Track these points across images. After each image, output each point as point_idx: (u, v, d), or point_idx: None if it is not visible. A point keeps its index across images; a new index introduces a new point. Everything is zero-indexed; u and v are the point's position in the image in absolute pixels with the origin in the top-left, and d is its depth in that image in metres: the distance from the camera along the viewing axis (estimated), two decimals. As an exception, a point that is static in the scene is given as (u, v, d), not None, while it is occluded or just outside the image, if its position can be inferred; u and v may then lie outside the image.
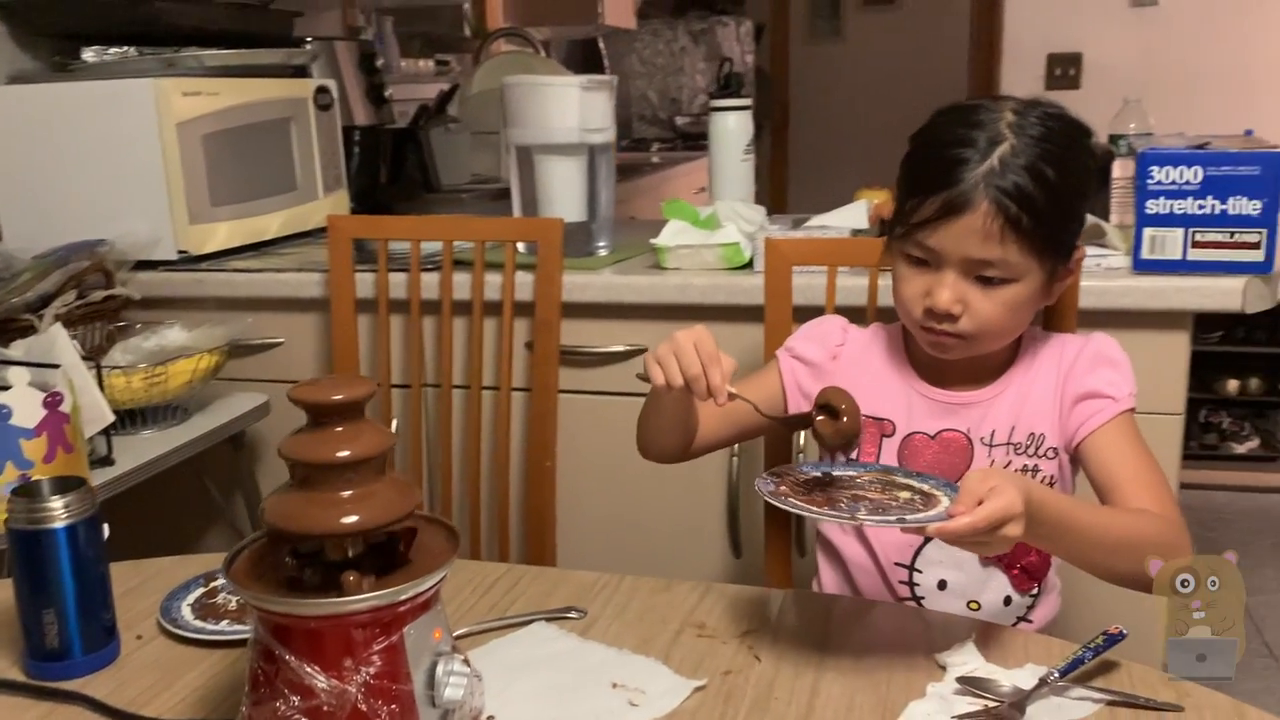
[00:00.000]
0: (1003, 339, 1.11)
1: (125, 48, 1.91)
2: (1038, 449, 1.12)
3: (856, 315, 1.38)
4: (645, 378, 1.07)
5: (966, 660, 0.93)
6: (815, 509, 0.92)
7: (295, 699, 0.76)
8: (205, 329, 1.61)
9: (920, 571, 1.15)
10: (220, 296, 1.77)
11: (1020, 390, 1.13)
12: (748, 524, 1.69)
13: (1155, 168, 1.42)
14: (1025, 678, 0.90)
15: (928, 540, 1.14)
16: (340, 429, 0.78)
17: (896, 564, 1.16)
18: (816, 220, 1.66)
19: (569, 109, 1.72)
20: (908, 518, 0.89)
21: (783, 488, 0.97)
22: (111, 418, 1.38)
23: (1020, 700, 0.87)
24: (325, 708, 0.76)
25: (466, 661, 0.83)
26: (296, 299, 1.77)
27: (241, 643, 1.00)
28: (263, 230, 1.95)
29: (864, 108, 5.47)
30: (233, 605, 1.08)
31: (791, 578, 1.42)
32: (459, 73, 3.57)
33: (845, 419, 0.96)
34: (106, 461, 1.42)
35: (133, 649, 1.01)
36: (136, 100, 1.74)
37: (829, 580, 1.23)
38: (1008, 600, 1.15)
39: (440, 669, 0.81)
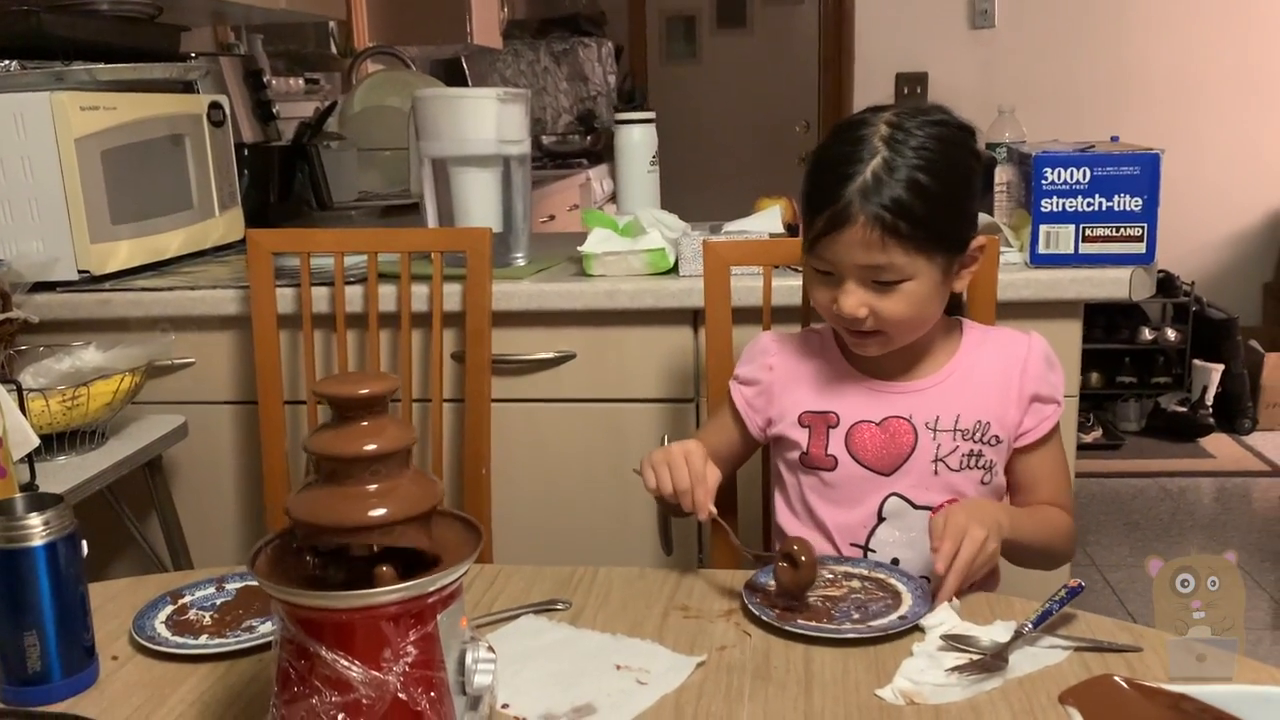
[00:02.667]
0: (917, 330, 1.19)
1: (7, 61, 1.83)
2: (983, 436, 1.21)
3: (792, 314, 1.46)
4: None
5: (943, 620, 1.00)
6: (830, 628, 1.01)
7: (332, 695, 0.76)
8: (122, 349, 1.55)
9: (874, 552, 1.22)
10: (129, 316, 1.71)
11: (964, 378, 1.22)
12: (678, 523, 1.74)
13: (1049, 169, 1.55)
14: (1000, 632, 0.97)
15: (881, 521, 1.22)
16: (366, 423, 0.79)
17: (853, 545, 1.23)
18: (734, 226, 1.73)
19: (485, 121, 1.74)
20: (907, 614, 1.02)
21: (776, 609, 1.04)
22: (36, 441, 1.32)
23: (1002, 651, 0.94)
24: (364, 700, 0.76)
25: (491, 649, 0.84)
26: (210, 317, 1.72)
27: (224, 656, 0.99)
28: (163, 249, 1.89)
29: (723, 126, 5.64)
30: (207, 620, 1.06)
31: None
32: (329, 90, 3.52)
33: (803, 570, 1.05)
34: (30, 488, 1.35)
35: (111, 670, 0.98)
36: (32, 114, 1.67)
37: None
38: None
39: (470, 656, 0.82)
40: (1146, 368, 4.08)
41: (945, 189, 1.12)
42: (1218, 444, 3.92)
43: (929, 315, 1.18)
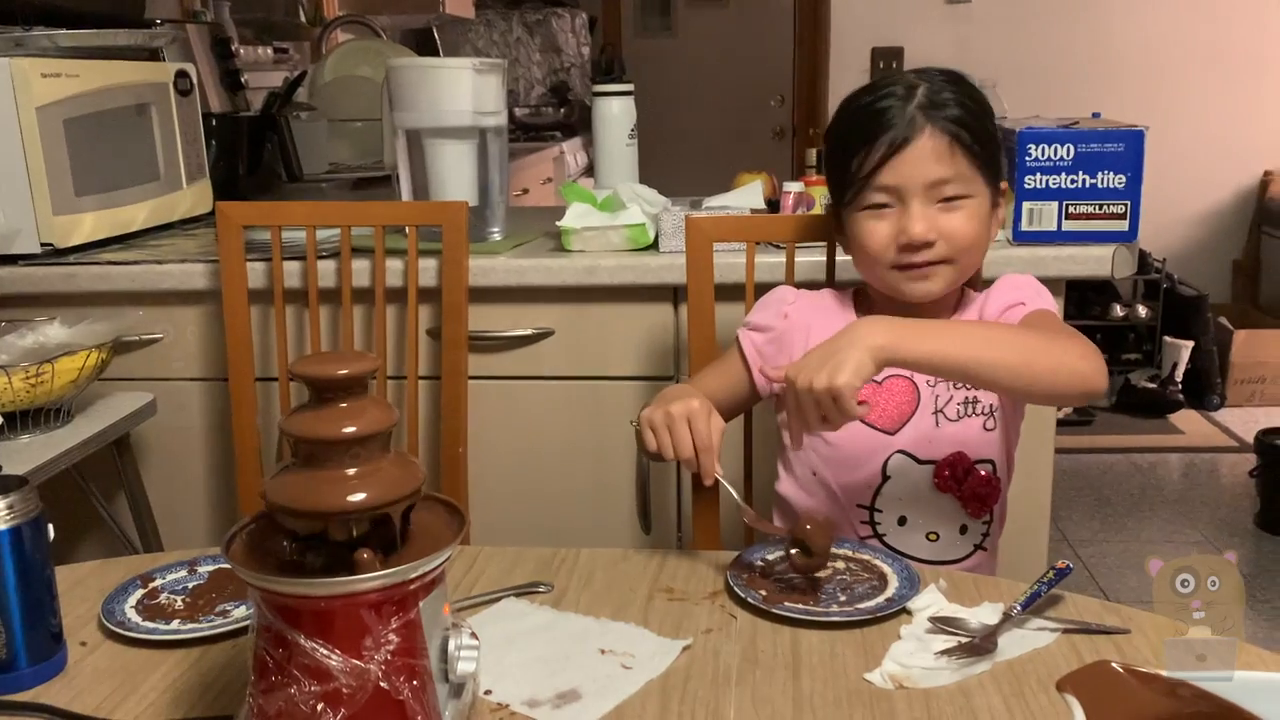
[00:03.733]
0: (975, 256, 1.21)
1: (-37, 26, 1.77)
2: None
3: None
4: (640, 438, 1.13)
5: (931, 603, 0.99)
6: (817, 611, 0.99)
7: (311, 684, 0.74)
8: (87, 324, 1.51)
9: (880, 511, 1.22)
10: (95, 291, 1.67)
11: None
12: (657, 502, 1.72)
13: (1032, 145, 1.53)
14: (987, 614, 0.97)
15: (886, 480, 1.21)
16: (345, 405, 0.76)
17: (859, 505, 1.23)
18: (714, 201, 1.71)
19: (461, 92, 1.70)
20: (894, 596, 1.01)
21: (762, 591, 1.03)
22: (-1, 420, 1.28)
23: (990, 634, 0.93)
24: (345, 690, 0.74)
25: (474, 635, 0.82)
26: (179, 291, 1.68)
27: (198, 641, 0.97)
28: (129, 221, 1.84)
29: (698, 100, 5.60)
30: (179, 604, 1.03)
31: (721, 546, 1.46)
32: (298, 60, 3.45)
33: (815, 557, 1.04)
34: (-7, 468, 1.31)
35: (80, 656, 0.95)
36: (-10, 81, 1.61)
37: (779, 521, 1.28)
38: (964, 529, 1.23)
39: (453, 643, 0.80)
40: (1118, 344, 4.11)
41: (984, 119, 1.18)
42: (1187, 420, 3.96)
43: (984, 242, 1.21)
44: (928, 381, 1.20)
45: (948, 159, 1.14)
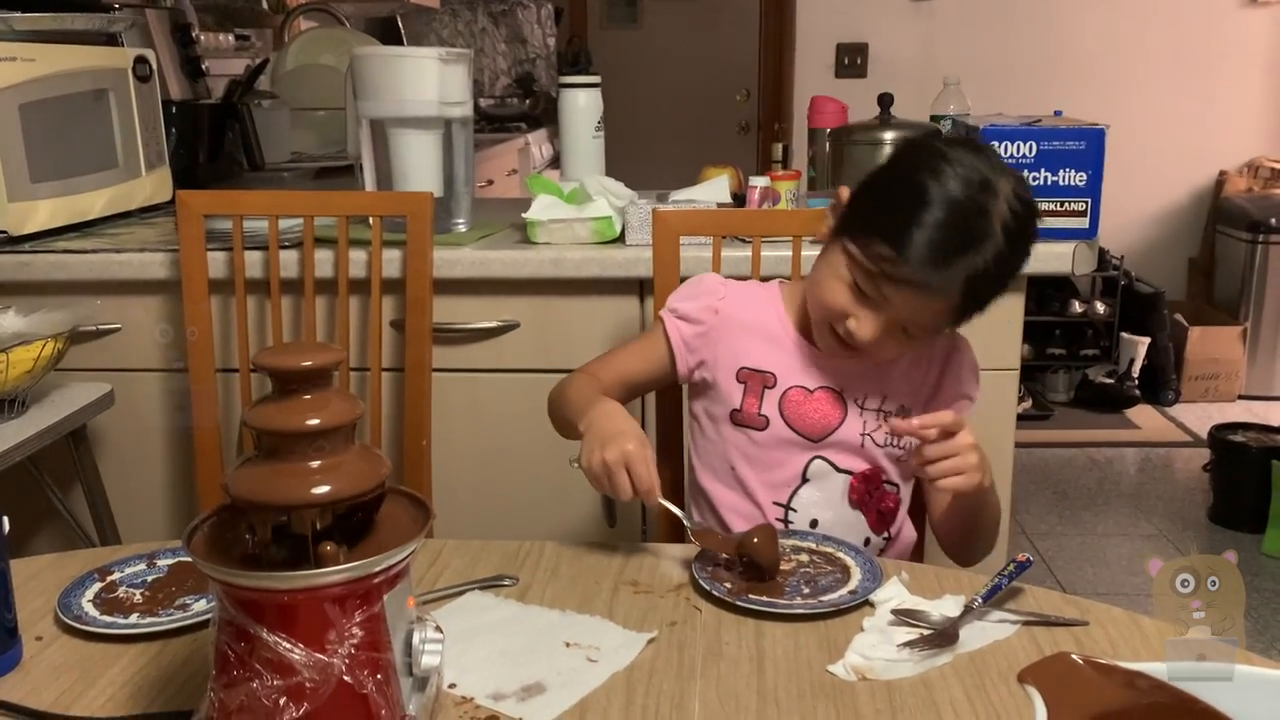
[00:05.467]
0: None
1: (-85, 8, 1.73)
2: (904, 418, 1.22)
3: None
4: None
5: (893, 595, 1.00)
6: (781, 603, 0.99)
7: (274, 678, 0.74)
8: (43, 314, 1.48)
9: (795, 511, 1.23)
10: (51, 280, 1.64)
11: (897, 363, 1.22)
12: (621, 494, 1.72)
13: (995, 143, 1.54)
14: (949, 606, 0.98)
15: (805, 482, 1.22)
16: (309, 396, 0.76)
17: (775, 503, 1.23)
18: (681, 195, 1.71)
19: (427, 82, 1.69)
20: (856, 589, 1.02)
21: (727, 584, 1.03)
22: (-48, 411, 1.26)
23: (952, 626, 0.94)
24: (308, 684, 0.74)
25: (439, 629, 0.82)
26: (137, 281, 1.66)
27: (157, 635, 0.95)
28: (86, 209, 1.81)
29: (663, 93, 5.59)
30: (138, 598, 1.02)
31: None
32: (260, 47, 3.41)
33: (764, 569, 1.04)
34: (-55, 459, 1.29)
35: (35, 651, 0.93)
36: (-57, 65, 1.58)
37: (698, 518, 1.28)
38: (866, 541, 1.25)
39: (417, 637, 0.80)
40: (1076, 340, 4.17)
41: (1010, 278, 1.13)
42: (1142, 415, 4.02)
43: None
44: (855, 401, 1.21)
45: (943, 320, 1.14)
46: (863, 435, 1.21)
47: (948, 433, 1.06)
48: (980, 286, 1.10)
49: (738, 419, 1.22)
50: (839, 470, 1.22)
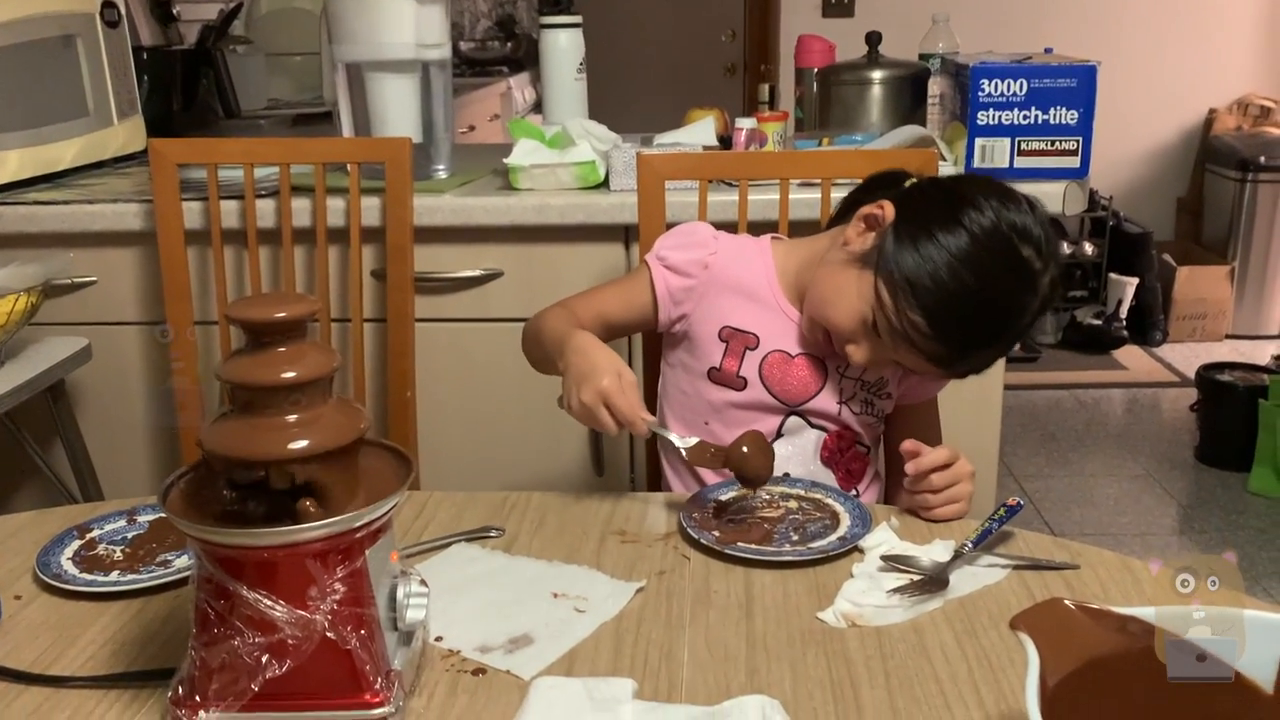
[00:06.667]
0: None
1: (-128, -48, 1.67)
2: (880, 389, 1.23)
3: (727, 230, 1.41)
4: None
5: (882, 541, 0.99)
6: (770, 550, 0.98)
7: (255, 635, 0.72)
8: (15, 267, 1.45)
9: None
10: (22, 233, 1.60)
11: None
12: (609, 444, 1.71)
13: (985, 80, 1.52)
14: (939, 551, 0.97)
15: (780, 437, 1.21)
16: (283, 349, 0.74)
17: None
18: (665, 138, 1.67)
19: (403, 23, 1.64)
20: (846, 535, 1.01)
21: (715, 532, 1.02)
22: (-76, 368, 1.23)
23: (941, 571, 0.93)
24: (290, 641, 0.73)
25: (423, 582, 0.81)
26: (112, 233, 1.62)
27: (138, 593, 0.94)
28: (56, 160, 1.77)
29: (646, 34, 5.50)
30: (118, 555, 1.00)
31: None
32: (234, -8, 3.33)
33: (751, 481, 1.06)
34: (-81, 417, 1.27)
35: (14, 610, 0.92)
36: (-98, 11, 1.53)
37: (675, 484, 1.27)
38: None
39: (401, 591, 0.79)
40: (1064, 281, 4.14)
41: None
42: (1130, 356, 4.03)
43: None
44: (837, 368, 1.20)
45: (944, 379, 1.18)
46: (840, 404, 1.21)
47: (946, 465, 1.05)
48: (984, 365, 1.13)
49: (715, 377, 1.21)
50: (813, 426, 1.22)
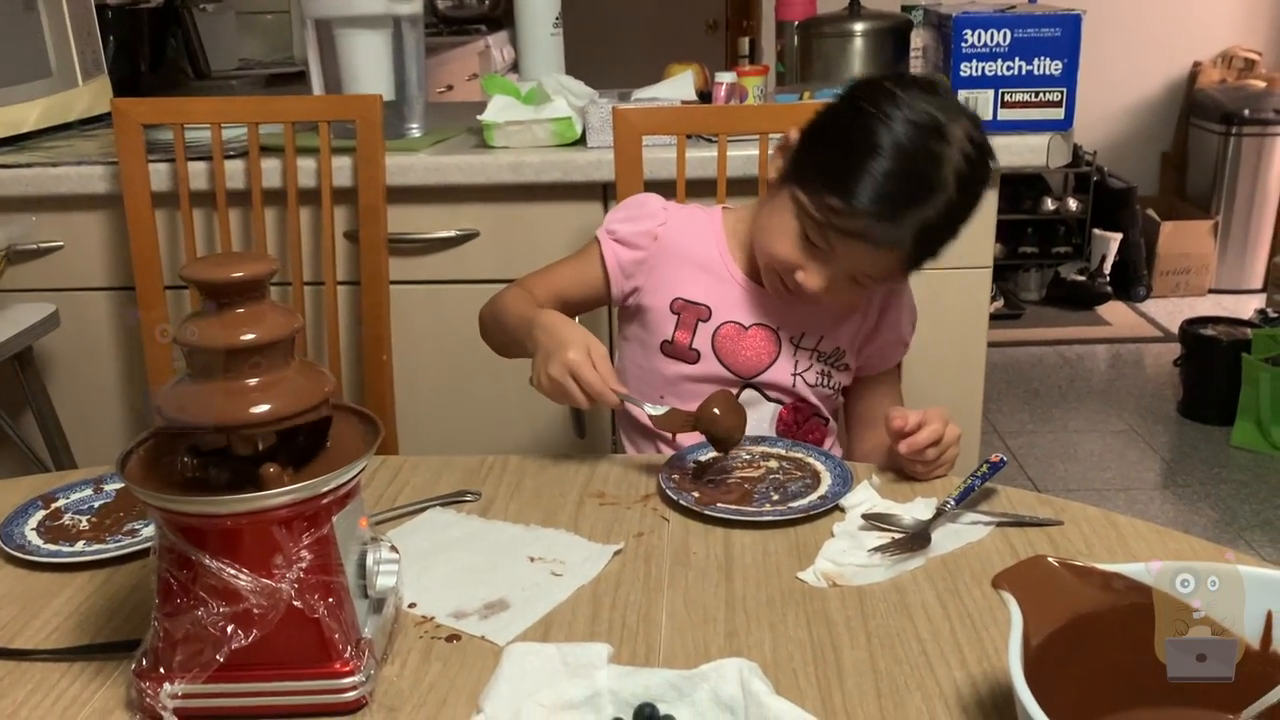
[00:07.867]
0: None
1: None
2: (837, 360, 1.21)
3: (707, 186, 1.39)
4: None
5: (864, 499, 0.98)
6: (750, 511, 0.97)
7: (220, 605, 0.70)
8: (-23, 232, 1.42)
9: None
10: (-16, 196, 1.57)
11: (830, 306, 1.17)
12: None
13: (968, 31, 1.49)
14: (921, 509, 0.96)
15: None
16: (242, 310, 0.71)
17: None
18: (643, 93, 1.64)
19: (373, -23, 1.60)
20: (826, 494, 1.00)
21: (695, 493, 1.00)
22: (-118, 336, 1.20)
23: (923, 529, 0.92)
24: (256, 610, 0.71)
25: (394, 549, 0.79)
26: (77, 196, 1.59)
27: (104, 563, 0.92)
28: (20, 122, 1.73)
29: (626, -9, 5.42)
30: (84, 525, 0.98)
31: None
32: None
33: (723, 442, 1.04)
34: (-120, 387, 1.24)
35: (-23, 583, 0.90)
36: None
37: (631, 450, 1.26)
38: None
39: (371, 558, 0.77)
40: (1048, 238, 4.14)
41: (961, 225, 1.09)
42: (1114, 311, 4.02)
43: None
44: (791, 339, 1.19)
45: (894, 270, 1.11)
46: (794, 375, 1.19)
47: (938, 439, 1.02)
48: (932, 236, 1.07)
49: (668, 350, 1.19)
50: (769, 399, 1.20)
